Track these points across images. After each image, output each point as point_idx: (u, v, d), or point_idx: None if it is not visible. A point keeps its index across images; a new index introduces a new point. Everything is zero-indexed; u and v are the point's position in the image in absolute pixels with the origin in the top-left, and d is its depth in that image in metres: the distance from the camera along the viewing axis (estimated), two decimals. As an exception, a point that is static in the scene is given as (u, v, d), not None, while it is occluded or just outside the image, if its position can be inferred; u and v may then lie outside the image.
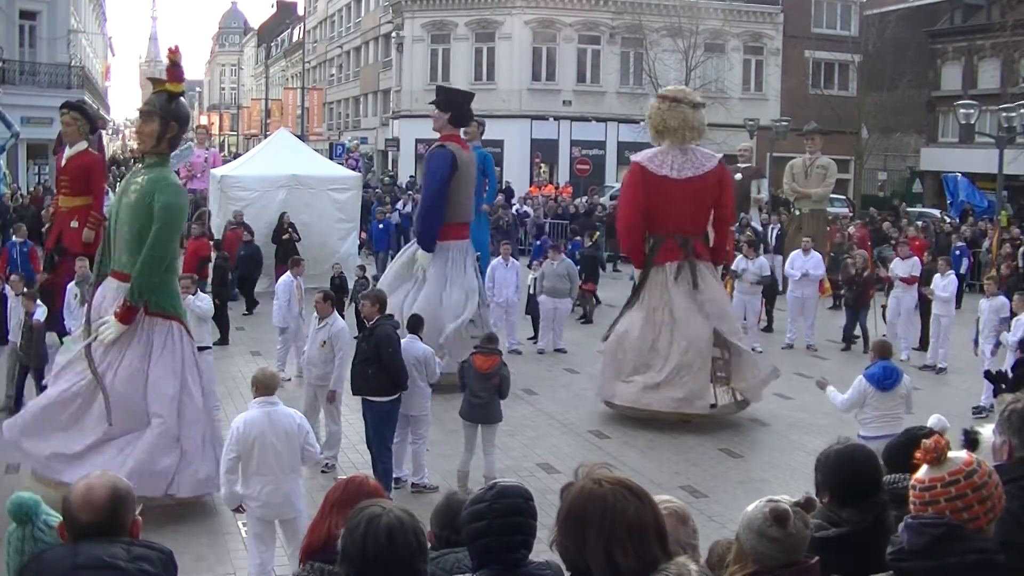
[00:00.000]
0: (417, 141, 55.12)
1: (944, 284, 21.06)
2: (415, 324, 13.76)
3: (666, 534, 3.72)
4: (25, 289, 16.69)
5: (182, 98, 13.28)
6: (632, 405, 16.67)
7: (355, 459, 14.24)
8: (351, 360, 13.25)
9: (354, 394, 13.26)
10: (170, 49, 13.08)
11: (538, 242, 27.85)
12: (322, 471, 13.69)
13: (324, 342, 14.04)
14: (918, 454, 4.33)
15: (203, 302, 16.01)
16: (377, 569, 3.81)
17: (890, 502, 5.18)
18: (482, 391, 13.14)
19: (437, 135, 19.90)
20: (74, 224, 20.18)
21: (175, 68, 13.01)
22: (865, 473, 5.25)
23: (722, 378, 17.36)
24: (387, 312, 13.33)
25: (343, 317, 15.07)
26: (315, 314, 14.42)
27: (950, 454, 4.26)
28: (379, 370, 12.66)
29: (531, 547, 4.71)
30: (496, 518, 4.46)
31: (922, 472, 4.29)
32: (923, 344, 22.45)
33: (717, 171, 17.53)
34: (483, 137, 24.23)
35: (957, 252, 28.84)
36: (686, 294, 16.95)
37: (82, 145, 20.46)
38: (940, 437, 4.33)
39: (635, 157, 17.93)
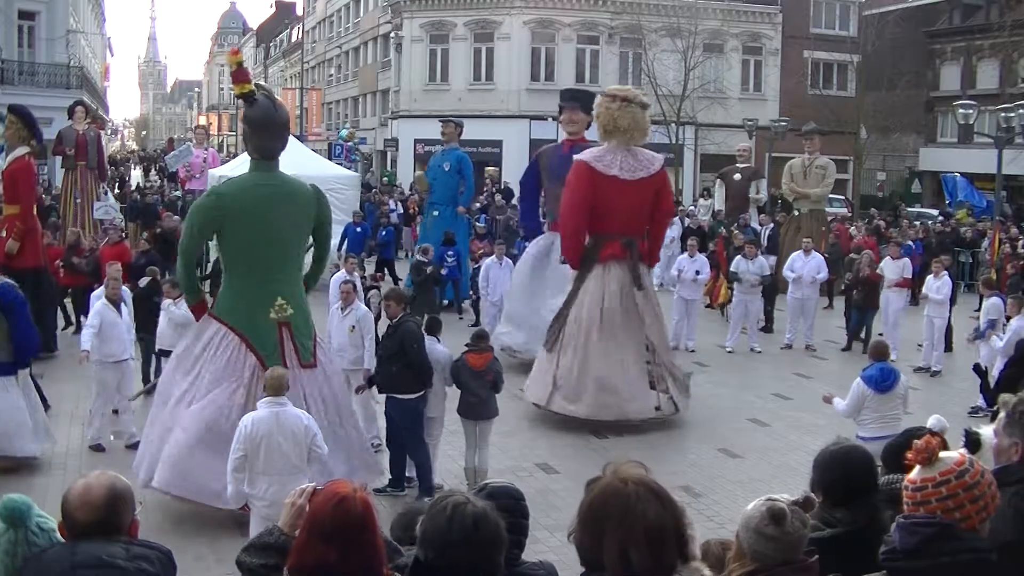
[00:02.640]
0: (416, 141, 55.15)
1: (938, 286, 20.82)
2: (433, 327, 13.86)
3: (687, 539, 3.75)
4: None
5: (263, 98, 12.59)
6: (562, 412, 16.50)
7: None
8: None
9: (379, 392, 13.47)
10: (231, 51, 13.06)
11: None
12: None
13: (352, 327, 14.69)
14: (909, 454, 4.36)
15: (182, 308, 15.10)
16: (460, 553, 3.84)
17: (889, 502, 5.18)
18: (479, 389, 13.21)
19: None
20: (2, 234, 19.67)
21: (234, 70, 12.74)
22: (859, 474, 5.24)
23: (660, 382, 16.80)
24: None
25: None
26: (338, 303, 15.11)
27: (942, 454, 4.28)
28: (404, 367, 12.82)
29: (523, 547, 4.72)
30: None
31: (914, 472, 4.32)
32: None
33: (661, 174, 17.59)
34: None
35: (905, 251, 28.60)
36: (627, 295, 16.86)
37: (21, 151, 19.96)
38: (931, 437, 4.35)
39: (580, 156, 17.69)
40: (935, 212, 44.91)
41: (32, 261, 19.48)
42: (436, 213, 26.98)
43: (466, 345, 13.75)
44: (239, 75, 12.57)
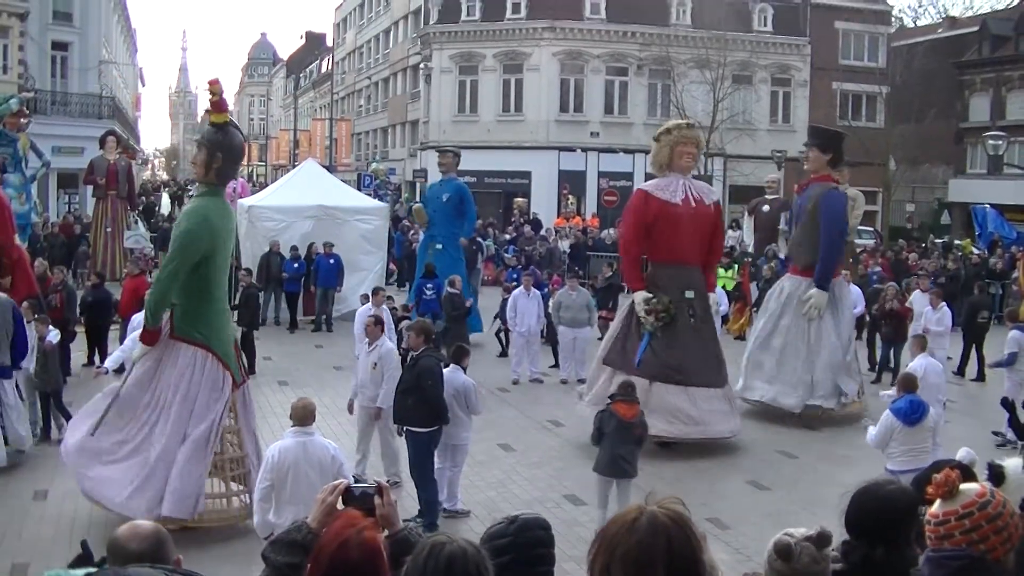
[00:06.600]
0: (445, 172, 55.29)
1: (938, 318, 20.67)
2: (459, 355, 13.82)
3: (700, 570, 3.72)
4: (36, 315, 16.47)
5: (233, 129, 13.13)
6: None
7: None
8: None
9: (395, 423, 13.40)
10: (210, 82, 13.11)
11: (515, 273, 27.79)
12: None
13: (375, 364, 14.50)
14: (930, 489, 4.34)
15: None
16: None
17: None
18: (628, 441, 12.65)
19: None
20: None
21: (216, 100, 13.06)
22: (869, 509, 5.17)
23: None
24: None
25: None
26: (365, 339, 14.91)
27: (962, 486, 4.27)
28: (419, 401, 12.76)
29: None
30: (521, 551, 4.45)
31: (936, 506, 4.31)
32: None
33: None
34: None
35: (874, 277, 28.92)
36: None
37: None
38: (951, 471, 4.34)
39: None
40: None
41: (27, 291, 18.30)
42: (440, 246, 26.44)
43: (611, 395, 13.43)
44: (219, 105, 13.11)
